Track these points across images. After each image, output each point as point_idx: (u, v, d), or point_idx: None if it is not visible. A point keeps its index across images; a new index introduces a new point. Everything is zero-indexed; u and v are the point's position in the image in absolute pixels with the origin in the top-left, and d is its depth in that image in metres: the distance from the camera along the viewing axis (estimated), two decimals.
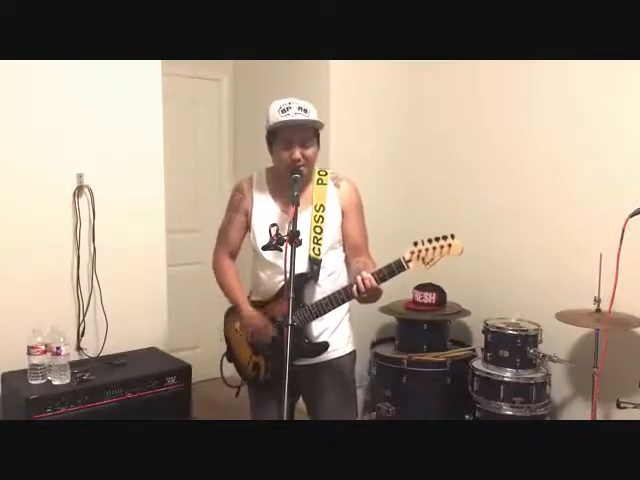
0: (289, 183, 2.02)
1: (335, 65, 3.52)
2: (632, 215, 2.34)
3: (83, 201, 2.83)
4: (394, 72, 3.73)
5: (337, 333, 2.19)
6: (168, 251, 3.17)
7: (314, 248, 2.09)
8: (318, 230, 2.10)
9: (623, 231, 2.27)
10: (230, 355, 2.34)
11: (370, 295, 1.95)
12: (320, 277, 2.11)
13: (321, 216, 2.11)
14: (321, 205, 2.12)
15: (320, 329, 2.15)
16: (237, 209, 2.22)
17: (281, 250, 1.92)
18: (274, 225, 1.98)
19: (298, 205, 1.95)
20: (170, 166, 3.24)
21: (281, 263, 1.93)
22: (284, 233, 1.94)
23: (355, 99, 3.67)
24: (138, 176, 3.00)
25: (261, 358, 2.20)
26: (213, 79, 4.29)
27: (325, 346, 2.12)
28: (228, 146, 4.40)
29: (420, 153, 3.87)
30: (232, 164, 4.41)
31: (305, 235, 1.99)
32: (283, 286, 2.06)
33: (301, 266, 2.03)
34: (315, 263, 2.09)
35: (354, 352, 2.29)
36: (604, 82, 3.00)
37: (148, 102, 3.02)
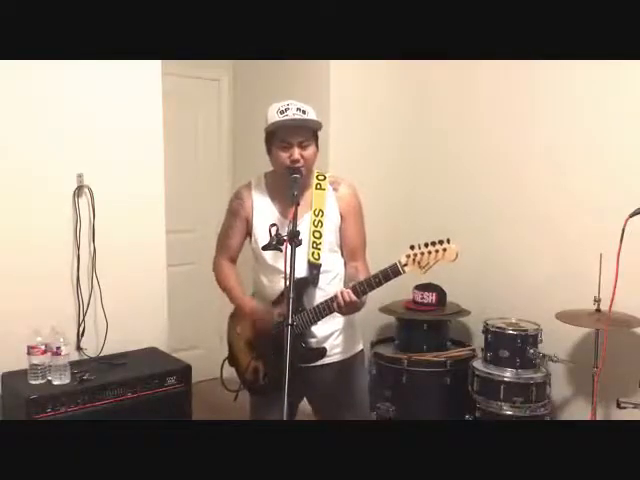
0: (288, 185, 2.01)
1: (335, 65, 3.52)
2: (632, 215, 2.34)
3: (83, 201, 2.82)
4: (394, 72, 3.73)
5: (345, 334, 2.19)
6: (168, 251, 3.17)
7: (313, 253, 2.08)
8: (317, 235, 2.10)
9: (623, 231, 2.27)
10: (231, 360, 2.33)
11: (349, 309, 1.98)
12: (324, 281, 2.11)
13: (320, 221, 2.11)
14: (320, 210, 2.12)
15: (328, 331, 2.14)
16: (236, 215, 2.21)
17: (281, 250, 1.92)
18: (274, 225, 1.97)
19: (298, 204, 1.95)
20: (170, 166, 3.24)
21: (282, 266, 1.92)
22: (284, 233, 1.93)
23: (355, 99, 3.67)
24: (138, 176, 2.99)
25: (260, 363, 2.19)
26: (213, 79, 4.28)
27: (322, 352, 2.11)
28: (228, 146, 4.40)
29: (420, 153, 3.87)
30: (232, 164, 4.40)
31: (304, 240, 1.97)
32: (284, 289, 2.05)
33: (300, 271, 2.02)
34: (314, 267, 2.09)
35: (362, 352, 2.29)
36: (603, 82, 3.00)
37: (148, 102, 3.01)
